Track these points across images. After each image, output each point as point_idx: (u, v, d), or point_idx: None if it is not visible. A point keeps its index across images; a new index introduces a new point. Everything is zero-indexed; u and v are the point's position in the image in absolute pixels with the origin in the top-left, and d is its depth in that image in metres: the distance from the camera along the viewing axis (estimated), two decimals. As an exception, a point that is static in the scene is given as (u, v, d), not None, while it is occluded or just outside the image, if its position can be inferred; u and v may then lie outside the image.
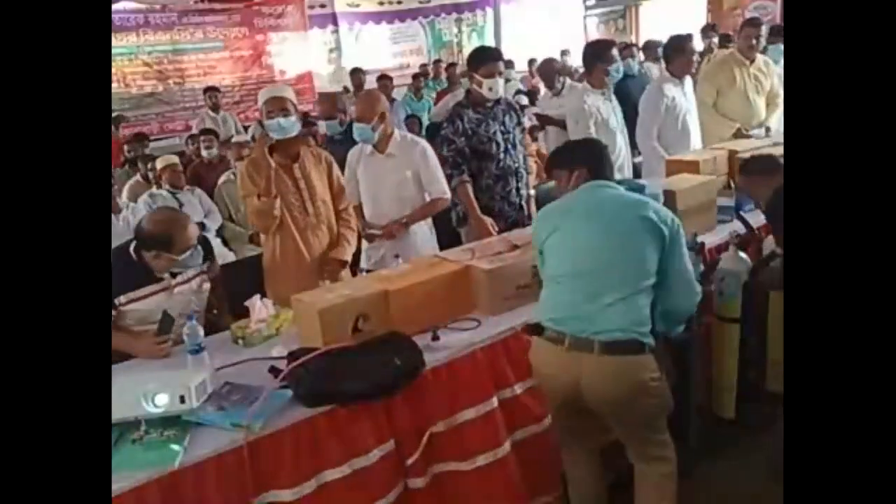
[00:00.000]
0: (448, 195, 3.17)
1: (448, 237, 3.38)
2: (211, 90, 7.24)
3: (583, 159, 2.22)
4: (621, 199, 2.11)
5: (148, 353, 2.25)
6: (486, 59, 3.23)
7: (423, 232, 3.25)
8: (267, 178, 2.73)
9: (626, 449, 2.11)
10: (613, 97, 4.06)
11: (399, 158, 3.10)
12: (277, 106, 2.77)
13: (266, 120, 2.79)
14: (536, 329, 2.06)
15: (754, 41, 4.21)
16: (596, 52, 3.98)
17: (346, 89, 7.85)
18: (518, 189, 3.36)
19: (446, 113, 3.66)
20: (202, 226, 4.19)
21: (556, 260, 2.07)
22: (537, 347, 2.06)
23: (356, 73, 7.76)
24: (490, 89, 3.16)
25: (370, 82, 7.46)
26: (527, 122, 4.71)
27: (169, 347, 2.26)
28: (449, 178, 3.20)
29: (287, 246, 2.84)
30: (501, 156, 3.26)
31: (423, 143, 3.23)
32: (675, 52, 4.12)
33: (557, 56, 9.20)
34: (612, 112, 3.95)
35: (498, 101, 3.31)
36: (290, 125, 2.80)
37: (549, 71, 5.16)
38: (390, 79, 7.61)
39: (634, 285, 1.96)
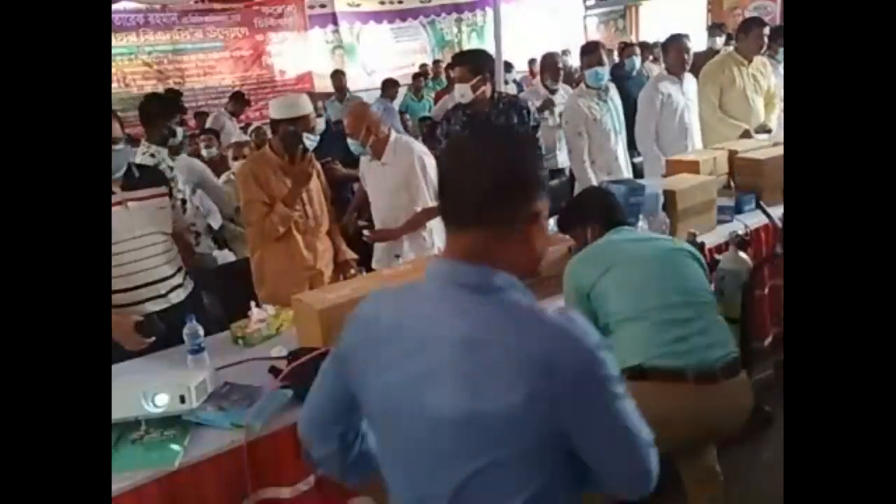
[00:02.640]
0: (436, 204, 3.14)
1: None
2: (238, 97, 7.24)
3: (593, 215, 2.20)
4: (655, 236, 2.20)
5: (123, 340, 2.18)
6: (456, 62, 3.25)
7: (432, 237, 3.25)
8: (299, 189, 2.73)
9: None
10: (615, 98, 4.06)
11: (391, 167, 3.07)
12: (310, 122, 2.83)
13: (308, 133, 2.78)
14: (639, 373, 1.84)
15: (764, 40, 4.23)
16: (580, 56, 4.09)
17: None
18: None
19: (444, 113, 3.65)
20: (209, 228, 4.20)
21: (624, 297, 1.96)
22: (648, 391, 1.71)
23: (337, 75, 7.75)
24: (462, 95, 3.15)
25: (371, 82, 7.46)
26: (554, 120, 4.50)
27: (146, 345, 2.21)
28: None
29: (292, 250, 2.83)
30: None
31: (421, 150, 3.15)
32: (668, 50, 4.21)
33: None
34: (606, 112, 3.95)
35: (498, 102, 3.29)
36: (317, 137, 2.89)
37: (553, 66, 4.79)
38: (397, 82, 7.61)
39: (712, 305, 2.00)
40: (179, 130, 3.62)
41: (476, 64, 3.21)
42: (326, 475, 1.36)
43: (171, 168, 3.47)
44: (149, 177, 2.45)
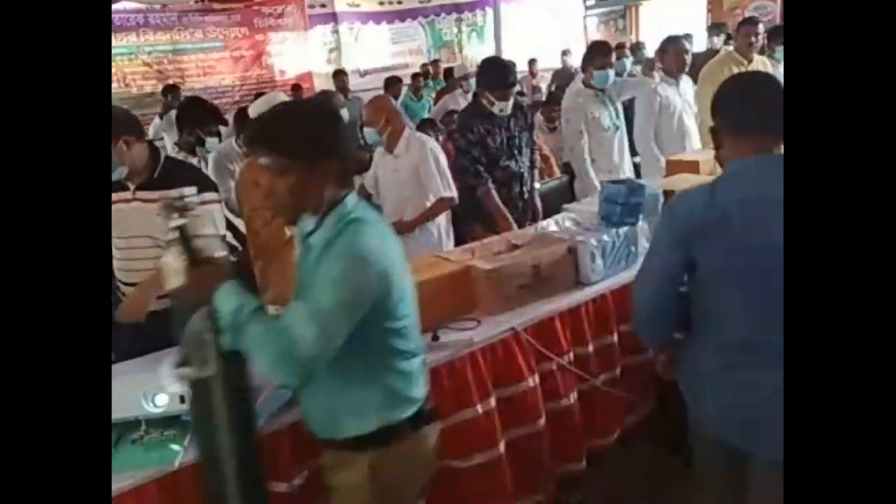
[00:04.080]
0: (450, 194, 3.17)
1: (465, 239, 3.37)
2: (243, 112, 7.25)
3: (340, 147, 1.52)
4: None
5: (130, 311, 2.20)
6: (501, 85, 3.22)
7: (440, 232, 3.26)
8: None
9: None
10: (614, 98, 4.06)
11: (403, 159, 3.14)
12: None
13: None
14: None
15: (753, 39, 4.23)
16: (588, 55, 4.06)
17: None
18: (521, 193, 3.39)
19: (443, 113, 3.66)
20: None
21: None
22: None
23: (339, 76, 7.77)
24: (500, 110, 3.22)
25: (371, 82, 7.44)
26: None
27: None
28: (472, 189, 3.21)
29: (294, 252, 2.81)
30: (505, 162, 3.29)
31: (431, 143, 3.22)
32: (664, 52, 4.20)
33: (558, 56, 9.21)
34: (605, 112, 3.95)
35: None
36: None
37: (567, 77, 4.87)
38: (399, 79, 7.62)
39: None
40: (209, 141, 3.55)
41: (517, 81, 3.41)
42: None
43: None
44: (172, 176, 2.32)
